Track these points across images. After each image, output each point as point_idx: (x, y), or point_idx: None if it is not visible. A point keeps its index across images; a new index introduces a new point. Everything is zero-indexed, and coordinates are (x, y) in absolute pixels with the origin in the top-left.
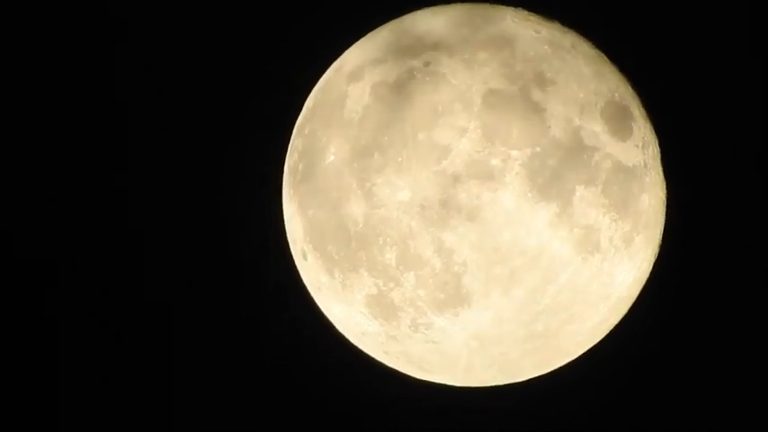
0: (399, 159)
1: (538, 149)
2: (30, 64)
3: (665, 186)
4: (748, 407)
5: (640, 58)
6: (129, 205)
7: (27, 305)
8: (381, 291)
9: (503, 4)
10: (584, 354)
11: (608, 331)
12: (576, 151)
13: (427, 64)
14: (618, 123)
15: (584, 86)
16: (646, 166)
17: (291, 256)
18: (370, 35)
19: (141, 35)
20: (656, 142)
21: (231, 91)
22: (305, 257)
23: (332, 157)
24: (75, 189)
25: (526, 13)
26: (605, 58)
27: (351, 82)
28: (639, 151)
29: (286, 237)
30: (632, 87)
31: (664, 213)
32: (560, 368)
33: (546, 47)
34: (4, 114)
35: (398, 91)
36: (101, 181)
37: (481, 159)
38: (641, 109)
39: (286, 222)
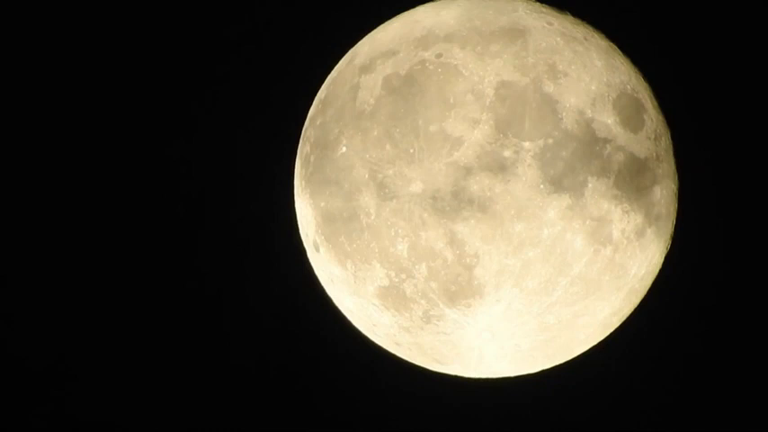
0: (411, 151)
1: (550, 141)
2: (46, 69)
3: (677, 178)
4: (759, 400)
5: (652, 50)
6: (134, 202)
7: (31, 302)
8: (393, 282)
9: None
10: (596, 345)
11: (620, 323)
12: (589, 143)
13: (439, 56)
14: (630, 115)
15: (596, 78)
16: (658, 157)
17: (304, 247)
18: (381, 27)
19: (160, 31)
20: (669, 134)
21: (243, 83)
22: (317, 249)
23: (344, 149)
24: (89, 185)
25: (538, 4)
26: (617, 50)
27: (363, 74)
28: (652, 143)
29: (298, 228)
30: (644, 79)
31: (676, 205)
32: (572, 360)
33: (558, 39)
34: (15, 116)
35: (410, 83)
36: (107, 174)
37: (493, 151)
38: (653, 101)
39: (298, 214)
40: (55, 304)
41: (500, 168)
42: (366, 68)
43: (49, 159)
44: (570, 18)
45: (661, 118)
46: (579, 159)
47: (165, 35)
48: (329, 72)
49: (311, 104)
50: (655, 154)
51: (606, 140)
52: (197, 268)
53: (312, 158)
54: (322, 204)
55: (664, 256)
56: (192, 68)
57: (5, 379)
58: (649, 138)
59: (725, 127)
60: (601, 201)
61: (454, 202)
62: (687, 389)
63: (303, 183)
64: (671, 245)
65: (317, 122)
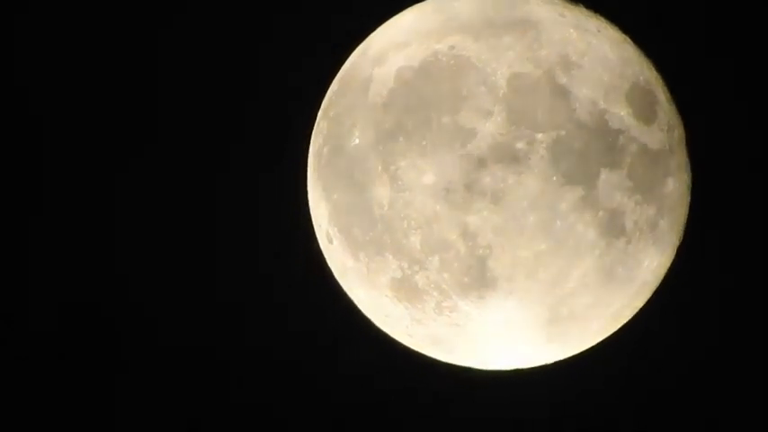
0: (424, 143)
1: (563, 133)
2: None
3: (689, 170)
4: None
5: (665, 42)
6: (142, 196)
7: (44, 299)
8: (406, 274)
9: None
10: (608, 337)
11: (632, 315)
12: (601, 135)
13: (452, 48)
14: (643, 107)
15: (609, 70)
16: (671, 149)
17: (316, 239)
18: (394, 19)
19: (169, 23)
20: (681, 126)
21: (256, 75)
22: (330, 241)
23: (357, 141)
24: (96, 183)
25: None
26: (630, 41)
27: (375, 66)
28: (664, 135)
29: (311, 220)
30: (657, 71)
31: (689, 197)
32: (584, 351)
33: (571, 30)
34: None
35: (423, 75)
36: (115, 171)
37: (506, 143)
38: (666, 93)
39: (311, 206)
40: (66, 298)
41: (513, 160)
42: (379, 60)
43: (53, 159)
44: (583, 10)
45: (674, 110)
46: (592, 151)
47: (173, 29)
48: (342, 64)
49: (324, 96)
50: (668, 146)
51: (619, 132)
52: (207, 262)
53: (325, 150)
54: (335, 196)
55: (676, 248)
56: (201, 61)
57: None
58: (662, 129)
59: (738, 119)
60: (613, 192)
61: (467, 193)
62: (699, 381)
63: (316, 174)
64: (683, 237)
65: (330, 114)
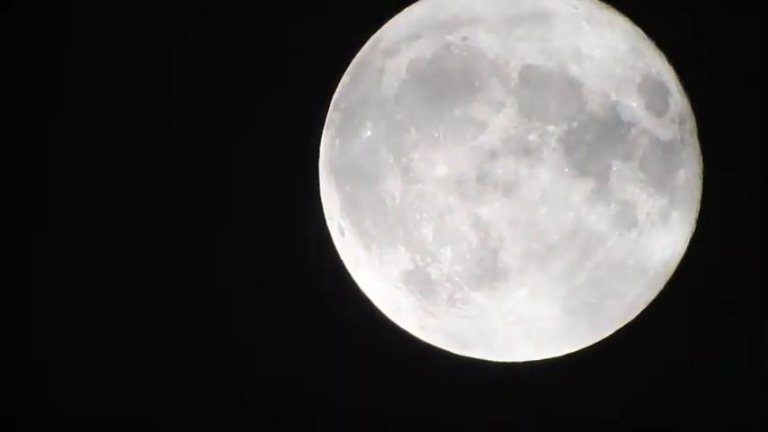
0: (436, 135)
1: (575, 125)
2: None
3: (701, 161)
4: None
5: (677, 33)
6: (152, 190)
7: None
8: (418, 266)
9: None
10: (620, 329)
11: (645, 306)
12: (613, 126)
13: (464, 39)
14: (655, 98)
15: (620, 62)
16: (682, 141)
17: (328, 231)
18: (406, 11)
19: (183, 20)
20: (693, 117)
21: (267, 68)
22: (342, 233)
23: (369, 133)
24: (105, 178)
25: None
26: (642, 33)
27: (387, 58)
28: (676, 126)
29: (323, 212)
30: (669, 63)
31: (701, 188)
32: (597, 344)
33: (583, 22)
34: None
35: (435, 66)
36: (128, 163)
37: (518, 135)
38: (678, 84)
39: (323, 198)
40: (79, 293)
41: (525, 152)
42: (390, 52)
43: (56, 156)
44: (595, 1)
45: (686, 101)
46: (604, 143)
47: (184, 25)
48: (354, 56)
49: (336, 88)
50: (679, 137)
51: (631, 124)
52: (218, 255)
53: (337, 142)
54: (347, 188)
55: (689, 239)
56: (212, 55)
57: None
58: (674, 121)
59: (750, 110)
60: (625, 184)
61: (479, 185)
62: (711, 373)
63: (328, 167)
64: (696, 228)
65: (342, 106)
